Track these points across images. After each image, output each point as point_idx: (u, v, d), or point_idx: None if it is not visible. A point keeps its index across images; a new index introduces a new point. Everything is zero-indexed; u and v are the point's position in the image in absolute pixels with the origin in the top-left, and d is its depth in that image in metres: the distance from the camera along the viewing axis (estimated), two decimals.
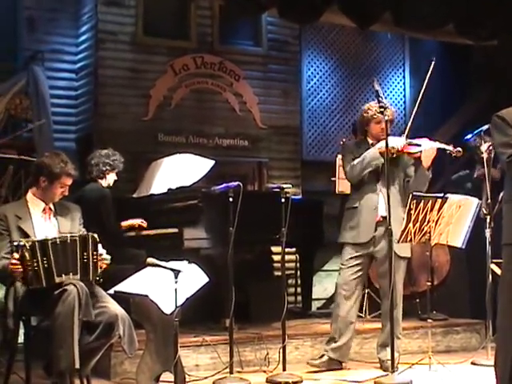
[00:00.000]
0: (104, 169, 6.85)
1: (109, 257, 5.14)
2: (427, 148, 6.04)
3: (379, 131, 6.10)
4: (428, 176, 6.11)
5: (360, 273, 6.18)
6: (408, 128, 6.07)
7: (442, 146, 6.08)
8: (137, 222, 7.00)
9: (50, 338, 4.74)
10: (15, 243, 4.84)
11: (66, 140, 9.14)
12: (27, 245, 4.75)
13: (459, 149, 6.04)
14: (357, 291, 6.21)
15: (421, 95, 6.01)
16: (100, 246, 5.05)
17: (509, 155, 4.95)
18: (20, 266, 4.76)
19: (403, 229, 5.87)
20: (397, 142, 6.01)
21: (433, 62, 5.91)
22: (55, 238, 4.86)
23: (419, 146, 6.10)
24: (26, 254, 4.75)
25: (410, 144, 6.12)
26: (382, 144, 5.94)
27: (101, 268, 5.05)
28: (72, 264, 4.89)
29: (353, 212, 6.21)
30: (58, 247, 4.83)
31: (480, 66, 10.68)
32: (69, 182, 5.22)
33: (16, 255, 4.78)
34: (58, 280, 4.81)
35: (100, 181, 6.86)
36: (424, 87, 5.95)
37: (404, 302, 6.30)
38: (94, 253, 4.97)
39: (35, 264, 4.75)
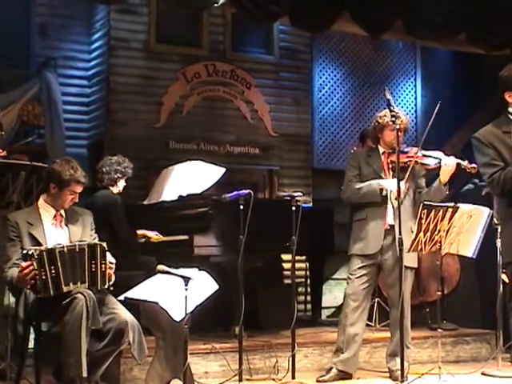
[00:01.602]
0: (115, 176, 6.84)
1: (113, 267, 5.11)
2: (448, 163, 6.00)
3: (393, 139, 6.03)
4: (445, 192, 6.08)
5: (368, 283, 6.16)
6: (422, 141, 6.04)
7: (459, 161, 6.04)
8: (151, 234, 6.95)
9: (60, 345, 4.74)
10: (24, 251, 4.84)
11: (78, 146, 9.18)
12: (35, 254, 4.74)
13: (474, 165, 5.99)
14: (365, 301, 6.19)
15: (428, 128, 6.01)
16: (108, 254, 5.03)
17: (489, 175, 5.00)
18: (30, 274, 4.75)
19: (414, 238, 5.85)
20: (392, 186, 5.99)
21: (438, 104, 5.92)
22: (63, 247, 4.83)
23: (436, 158, 6.07)
24: (34, 263, 4.74)
25: (424, 156, 6.09)
26: (384, 183, 6.03)
27: (109, 277, 5.02)
28: (80, 273, 4.86)
29: (361, 224, 6.18)
30: (65, 256, 4.80)
31: (492, 75, 10.66)
32: (79, 189, 5.21)
33: (25, 264, 4.78)
34: (65, 289, 4.80)
35: (111, 188, 6.87)
36: (431, 122, 5.95)
37: (414, 312, 6.28)
38: (103, 262, 4.93)
39: (43, 273, 4.73)
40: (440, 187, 6.06)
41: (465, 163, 5.99)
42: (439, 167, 6.05)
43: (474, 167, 5.98)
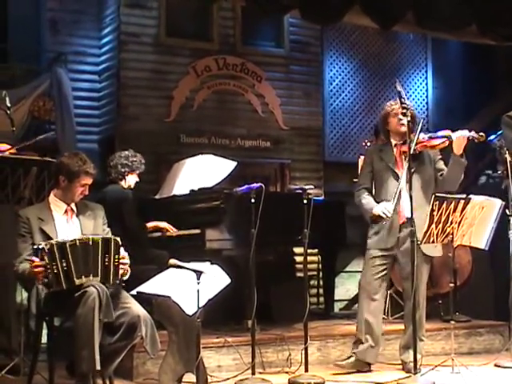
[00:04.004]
0: (123, 170, 6.83)
1: (128, 261, 5.11)
2: (458, 136, 5.94)
3: (396, 124, 6.06)
4: (464, 163, 5.98)
5: (383, 273, 6.13)
6: (421, 127, 6.00)
7: (469, 133, 5.99)
8: (164, 225, 6.96)
9: (73, 339, 4.75)
10: (34, 246, 4.85)
11: (89, 141, 9.20)
12: (46, 248, 4.74)
13: (482, 133, 5.94)
14: (380, 291, 6.15)
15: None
16: (122, 249, 5.03)
17: None
18: (41, 269, 4.76)
19: (426, 230, 5.83)
20: (384, 209, 5.98)
21: (421, 121, 5.96)
22: (74, 240, 4.84)
23: (443, 137, 6.04)
24: (46, 257, 4.75)
25: (431, 138, 6.05)
26: (376, 208, 6.01)
27: (121, 274, 5.03)
28: (93, 266, 4.87)
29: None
30: (77, 249, 4.81)
31: (505, 66, 10.63)
32: (88, 180, 5.21)
33: (36, 259, 4.79)
34: (77, 282, 4.80)
35: (120, 182, 6.87)
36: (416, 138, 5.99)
37: (427, 304, 6.27)
38: (116, 256, 4.93)
39: (54, 267, 4.73)
40: (457, 159, 5.98)
41: (471, 134, 5.94)
42: (449, 143, 6.01)
43: (482, 135, 5.94)
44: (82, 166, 5.17)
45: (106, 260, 4.91)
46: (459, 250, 7.47)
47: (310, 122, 10.06)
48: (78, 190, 5.18)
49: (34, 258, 4.79)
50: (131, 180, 6.87)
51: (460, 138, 5.95)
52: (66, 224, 5.19)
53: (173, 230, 6.96)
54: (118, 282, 4.99)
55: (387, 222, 6.03)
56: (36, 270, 4.76)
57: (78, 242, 4.84)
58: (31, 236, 5.04)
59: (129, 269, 5.08)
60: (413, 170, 5.75)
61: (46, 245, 4.77)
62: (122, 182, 6.84)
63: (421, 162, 6.05)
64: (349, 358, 6.18)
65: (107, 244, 4.93)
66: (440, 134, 6.08)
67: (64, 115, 8.77)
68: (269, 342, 6.38)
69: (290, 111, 9.92)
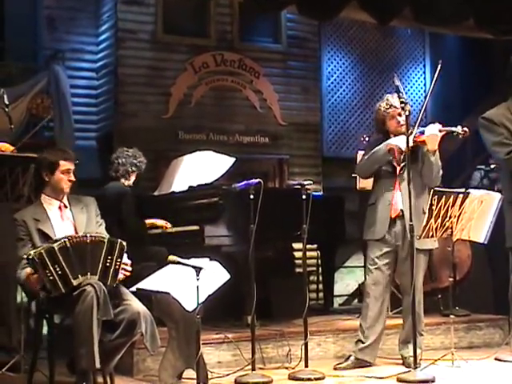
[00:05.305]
0: (130, 169, 6.87)
1: (130, 269, 5.10)
2: (429, 132, 5.85)
3: (396, 125, 6.03)
4: (433, 163, 5.88)
5: (388, 271, 6.08)
6: (419, 119, 5.96)
7: (447, 128, 5.90)
8: (161, 223, 6.97)
9: (72, 336, 4.75)
10: (25, 256, 4.81)
11: (87, 138, 9.20)
12: (36, 258, 4.71)
13: (465, 128, 5.86)
14: (386, 291, 6.14)
15: (429, 92, 5.97)
16: (126, 256, 5.00)
17: (507, 152, 4.99)
18: (36, 277, 4.77)
19: (425, 224, 5.82)
20: (400, 142, 5.91)
21: (440, 65, 5.84)
22: (63, 242, 4.79)
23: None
24: (37, 267, 4.73)
25: (421, 133, 6.01)
26: (390, 141, 5.97)
27: (120, 278, 5.02)
28: (91, 264, 4.85)
29: (371, 209, 6.15)
30: (68, 250, 4.77)
31: (503, 60, 10.61)
32: (69, 165, 5.20)
33: (29, 270, 4.79)
34: (75, 282, 4.77)
35: (123, 180, 6.87)
36: (432, 86, 5.91)
37: (426, 299, 6.26)
38: (118, 259, 4.92)
39: (49, 274, 4.71)
40: (428, 157, 5.89)
41: (456, 129, 5.85)
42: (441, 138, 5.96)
43: (466, 131, 5.86)
44: (59, 153, 5.23)
45: (108, 261, 4.89)
46: (458, 245, 7.46)
47: (308, 117, 10.06)
48: (62, 178, 5.18)
49: (28, 270, 4.78)
50: (132, 179, 6.91)
51: (431, 131, 5.85)
52: (61, 221, 5.19)
53: (169, 226, 6.96)
54: (114, 285, 4.97)
55: (379, 213, 6.03)
56: (31, 283, 4.77)
57: (67, 242, 4.80)
58: (30, 238, 5.03)
59: (128, 274, 5.08)
60: (404, 164, 5.74)
61: (35, 254, 4.73)
62: (125, 180, 6.85)
63: (414, 156, 6.01)
64: (348, 358, 6.18)
65: (112, 245, 4.91)
66: (425, 128, 6.05)
67: (62, 113, 8.76)
68: (269, 338, 6.39)
69: (288, 107, 9.92)
